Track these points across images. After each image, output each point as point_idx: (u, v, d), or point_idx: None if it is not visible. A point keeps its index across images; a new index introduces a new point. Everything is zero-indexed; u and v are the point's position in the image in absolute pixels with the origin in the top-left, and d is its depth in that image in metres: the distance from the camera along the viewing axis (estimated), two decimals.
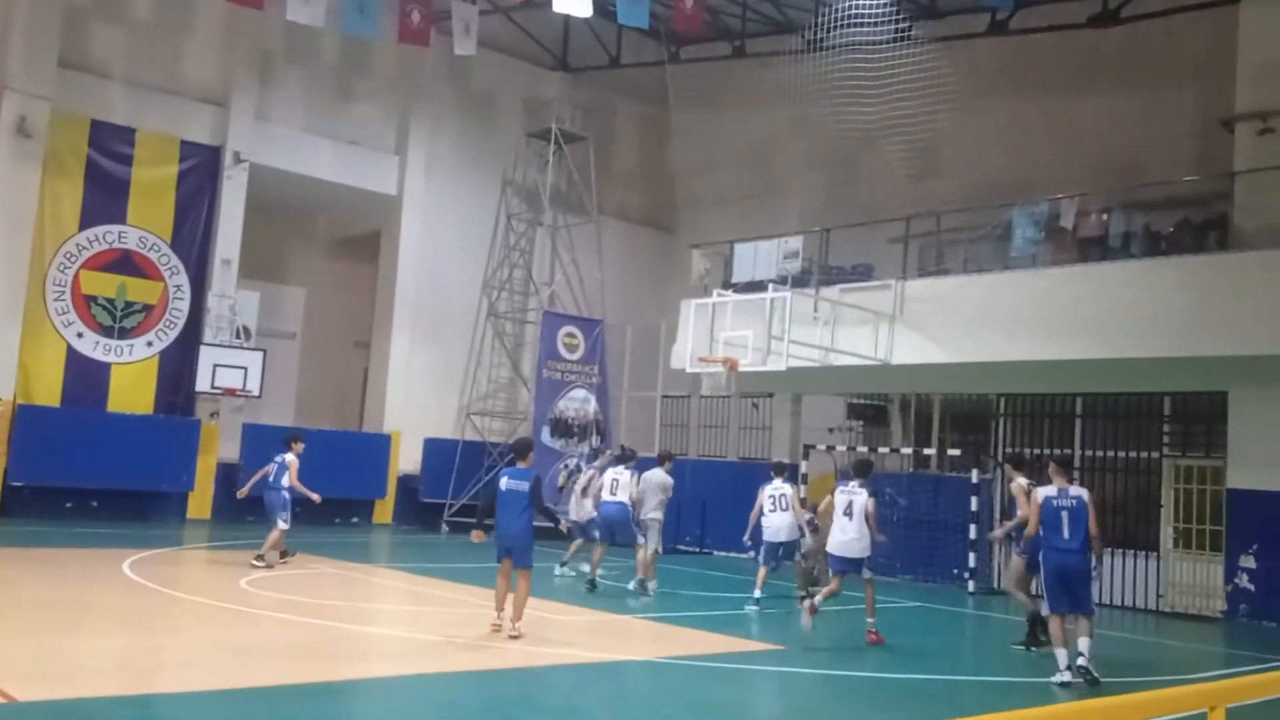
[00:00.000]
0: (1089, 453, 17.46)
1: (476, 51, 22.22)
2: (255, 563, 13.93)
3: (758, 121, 23.15)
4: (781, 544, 13.69)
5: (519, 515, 9.94)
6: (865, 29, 16.94)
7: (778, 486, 13.72)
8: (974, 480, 17.44)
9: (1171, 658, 12.53)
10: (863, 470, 11.66)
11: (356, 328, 25.46)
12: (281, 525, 14.17)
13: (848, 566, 11.23)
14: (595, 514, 14.99)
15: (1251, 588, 15.27)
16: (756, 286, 17.27)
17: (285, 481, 14.37)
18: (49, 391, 19.72)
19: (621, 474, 14.56)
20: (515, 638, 9.68)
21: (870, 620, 11.11)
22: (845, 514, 11.21)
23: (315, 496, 14.73)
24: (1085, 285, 15.50)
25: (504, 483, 10.10)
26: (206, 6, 21.41)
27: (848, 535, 11.14)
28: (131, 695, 7.10)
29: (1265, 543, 15.16)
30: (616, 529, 14.35)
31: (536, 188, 25.53)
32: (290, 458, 14.53)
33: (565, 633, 10.98)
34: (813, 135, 20.46)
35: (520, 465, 10.25)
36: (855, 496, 11.23)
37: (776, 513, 13.55)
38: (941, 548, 17.91)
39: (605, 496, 14.54)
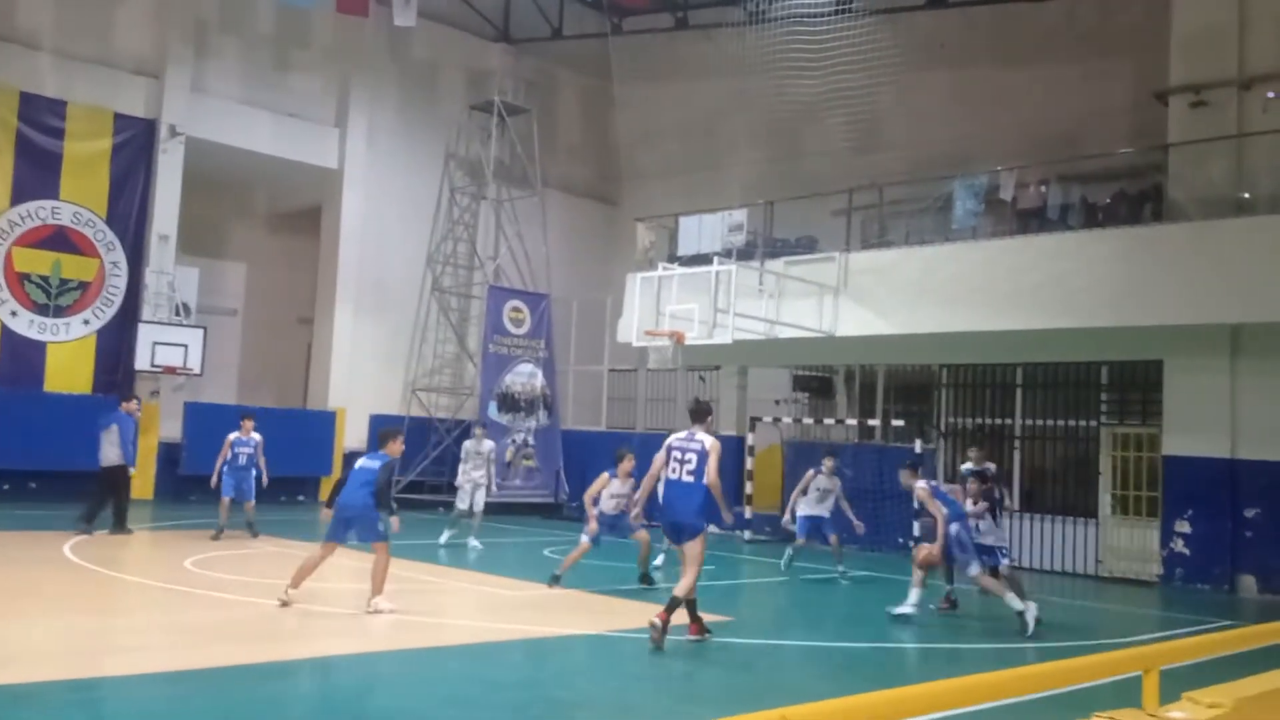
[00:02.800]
0: (1029, 421, 17.81)
1: (417, 22, 21.95)
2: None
3: (701, 94, 23.14)
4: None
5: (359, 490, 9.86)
6: (807, 2, 16.98)
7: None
8: (918, 450, 17.70)
9: (1109, 622, 12.87)
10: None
11: (299, 303, 25.12)
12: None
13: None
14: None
15: (1187, 552, 15.71)
16: (701, 260, 17.33)
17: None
18: None
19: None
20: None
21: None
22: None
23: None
24: (1024, 256, 15.78)
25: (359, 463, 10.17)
26: None
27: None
28: (78, 679, 7.00)
29: (1199, 508, 15.59)
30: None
31: (480, 161, 25.32)
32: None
33: (513, 606, 11.01)
34: (756, 108, 20.51)
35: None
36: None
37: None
38: (887, 517, 18.18)
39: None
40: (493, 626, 9.47)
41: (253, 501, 15.55)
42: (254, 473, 15.48)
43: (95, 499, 15.04)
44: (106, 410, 15.83)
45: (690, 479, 8.98)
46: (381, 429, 10.93)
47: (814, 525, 14.20)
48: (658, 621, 8.57)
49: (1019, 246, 16.00)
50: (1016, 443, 17.93)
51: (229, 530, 15.16)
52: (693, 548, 9.01)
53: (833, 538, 14.24)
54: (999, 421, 18.25)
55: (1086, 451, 17.18)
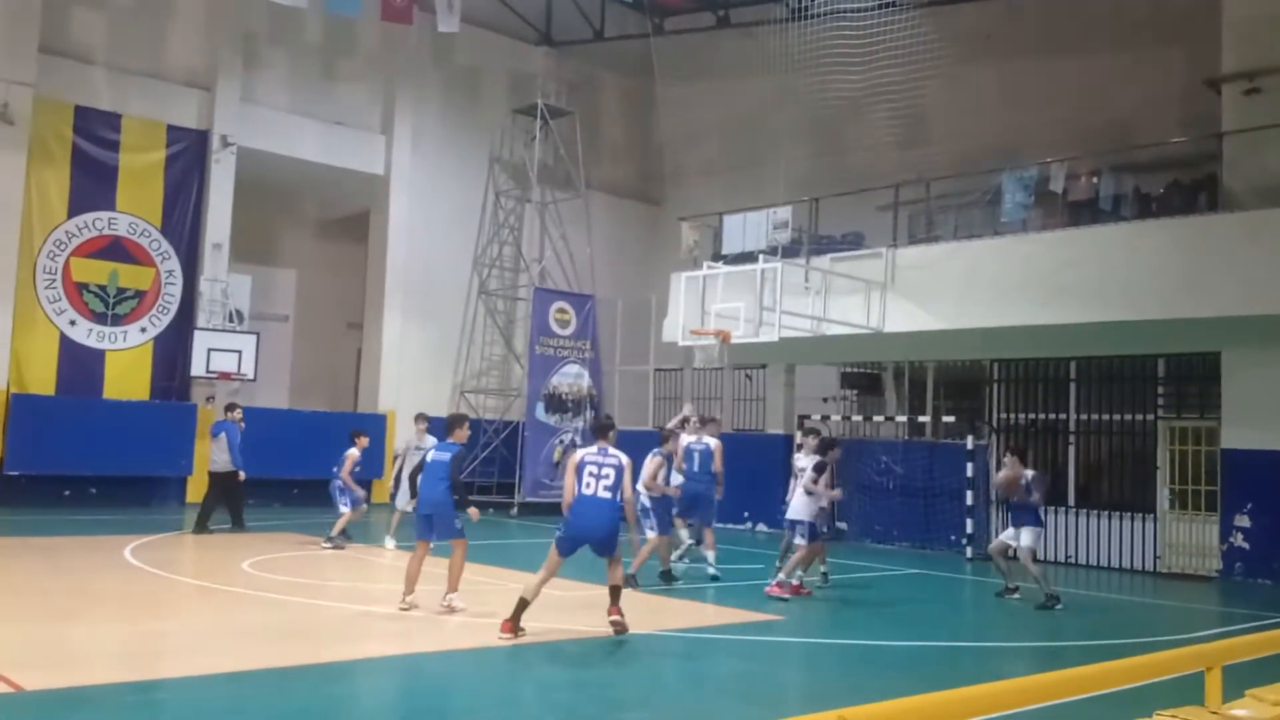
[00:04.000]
0: (1084, 416, 17.55)
1: (460, 28, 22.11)
2: (324, 545, 14.90)
3: (743, 91, 23.05)
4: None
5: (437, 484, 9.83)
6: None
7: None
8: (969, 446, 17.53)
9: (1169, 618, 12.65)
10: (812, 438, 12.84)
11: (348, 308, 25.42)
12: (344, 509, 15.15)
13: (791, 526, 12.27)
14: None
15: (1246, 546, 15.41)
16: (746, 258, 17.28)
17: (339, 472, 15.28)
18: (43, 380, 19.69)
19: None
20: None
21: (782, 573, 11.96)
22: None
23: (360, 492, 15.60)
24: (1076, 249, 15.54)
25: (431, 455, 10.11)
26: None
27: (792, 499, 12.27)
28: (137, 681, 7.13)
29: (1260, 501, 15.28)
30: None
31: (524, 164, 25.45)
32: (352, 451, 15.41)
33: (566, 607, 11.05)
34: (799, 104, 20.38)
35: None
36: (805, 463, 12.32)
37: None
38: (937, 514, 18.03)
39: None
40: (545, 626, 9.50)
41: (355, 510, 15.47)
42: (335, 483, 15.40)
43: (208, 502, 16.29)
44: (216, 420, 17.01)
45: (607, 495, 9.03)
46: (449, 415, 10.94)
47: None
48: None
49: (1070, 239, 15.77)
50: (1071, 438, 17.68)
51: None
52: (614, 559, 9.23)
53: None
54: (1052, 416, 18.01)
55: (1143, 446, 16.90)
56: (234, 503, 16.59)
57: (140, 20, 20.97)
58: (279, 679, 7.27)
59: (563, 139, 25.45)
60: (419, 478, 10.07)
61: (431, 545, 10.10)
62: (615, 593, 9.11)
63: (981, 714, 3.02)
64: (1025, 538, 12.16)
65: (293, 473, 20.91)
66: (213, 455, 16.41)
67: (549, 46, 26.37)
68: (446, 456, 9.91)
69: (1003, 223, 16.81)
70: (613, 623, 9.00)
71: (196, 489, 20.84)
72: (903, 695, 2.97)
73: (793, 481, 13.14)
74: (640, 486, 12.23)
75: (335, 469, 15.24)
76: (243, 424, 16.75)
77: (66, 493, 19.48)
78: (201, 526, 15.95)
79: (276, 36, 22.63)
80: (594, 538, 9.06)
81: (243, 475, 16.41)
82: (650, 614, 10.51)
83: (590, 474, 9.06)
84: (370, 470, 21.62)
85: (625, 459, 9.15)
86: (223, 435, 16.33)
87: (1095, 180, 16.52)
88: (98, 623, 9.26)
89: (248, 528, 16.45)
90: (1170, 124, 17.50)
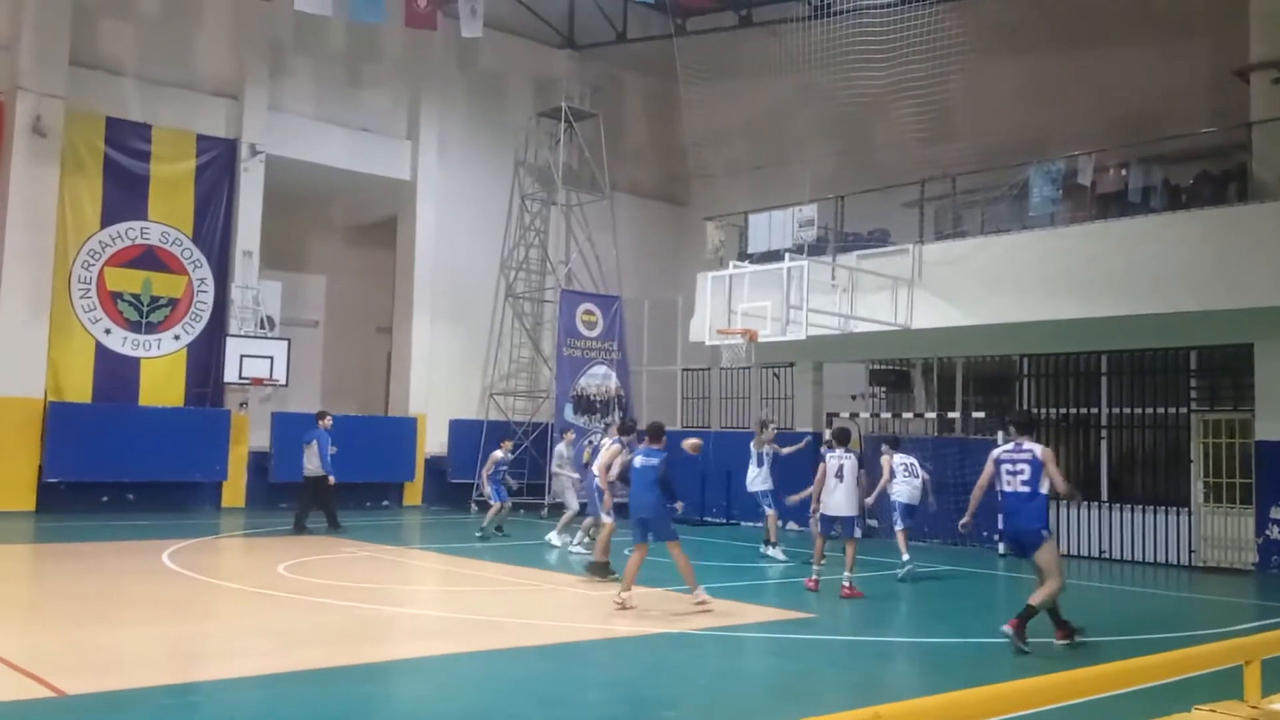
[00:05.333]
0: (1116, 410, 17.42)
1: (483, 33, 22.21)
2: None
3: (767, 90, 23.03)
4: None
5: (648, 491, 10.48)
6: None
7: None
8: (999, 442, 17.41)
9: (1205, 612, 12.55)
10: (844, 438, 12.60)
11: (378, 313, 25.61)
12: (494, 502, 17.47)
13: (837, 526, 12.21)
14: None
15: None
16: (772, 256, 17.26)
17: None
18: (79, 388, 19.96)
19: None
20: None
21: (848, 574, 11.94)
22: (836, 477, 12.08)
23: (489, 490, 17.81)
24: (1105, 242, 15.42)
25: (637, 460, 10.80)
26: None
27: (838, 496, 12.07)
28: (176, 684, 7.23)
29: None
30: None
31: (548, 167, 25.55)
32: (496, 453, 18.22)
33: (598, 608, 11.10)
34: (823, 102, 20.34)
35: (652, 445, 10.76)
36: (845, 461, 12.13)
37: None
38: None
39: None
40: (579, 626, 9.57)
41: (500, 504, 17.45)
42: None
43: (302, 506, 17.35)
44: (308, 427, 17.80)
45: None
46: (651, 424, 11.38)
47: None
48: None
49: (1099, 231, 15.65)
50: (1103, 432, 17.55)
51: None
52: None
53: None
54: (1084, 411, 17.88)
55: (1176, 439, 16.75)
56: (327, 505, 17.47)
57: (169, 31, 21.23)
58: (315, 681, 7.35)
59: (587, 141, 25.52)
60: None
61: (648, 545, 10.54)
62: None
63: (1017, 710, 3.03)
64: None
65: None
66: (305, 461, 17.30)
67: (572, 49, 26.45)
68: (655, 462, 10.49)
69: (1030, 217, 16.70)
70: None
71: (232, 494, 21.14)
72: (938, 692, 2.99)
73: (834, 480, 12.82)
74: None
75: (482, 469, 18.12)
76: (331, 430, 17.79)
77: (104, 499, 19.74)
78: (299, 527, 16.98)
79: (302, 45, 22.84)
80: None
81: (333, 480, 17.24)
82: (684, 612, 10.54)
83: (1007, 470, 9.25)
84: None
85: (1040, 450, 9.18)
86: (314, 442, 17.22)
87: (1123, 172, 16.38)
88: (136, 626, 9.39)
89: (342, 527, 17.41)
90: (1198, 114, 17.34)
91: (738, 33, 23.67)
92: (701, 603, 10.26)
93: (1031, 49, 19.93)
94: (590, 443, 23.62)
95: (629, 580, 10.42)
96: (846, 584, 11.85)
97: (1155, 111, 18.09)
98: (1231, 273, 14.15)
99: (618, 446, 12.92)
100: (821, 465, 12.42)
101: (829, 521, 12.24)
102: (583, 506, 15.92)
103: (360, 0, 20.21)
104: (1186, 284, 14.46)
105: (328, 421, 17.65)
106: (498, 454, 18.07)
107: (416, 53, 24.15)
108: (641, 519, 10.48)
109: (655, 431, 10.86)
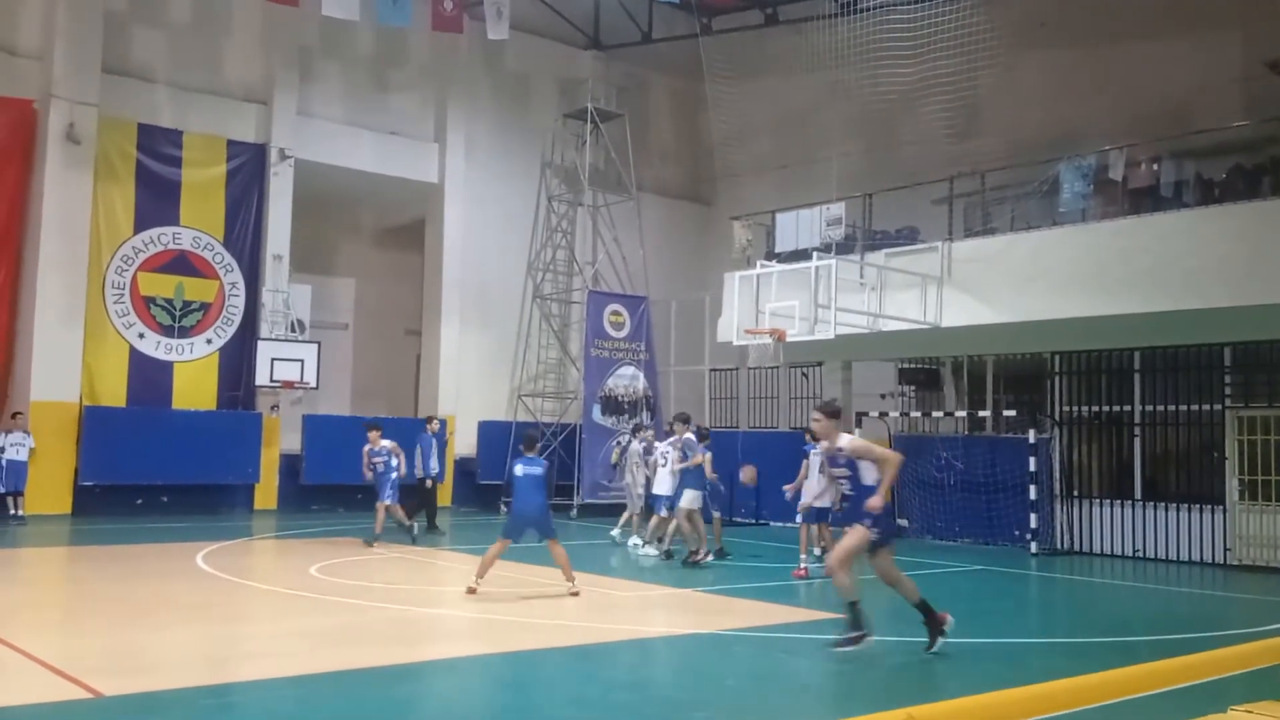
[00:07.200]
0: (1149, 407, 17.24)
1: (509, 35, 22.30)
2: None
3: (793, 89, 22.96)
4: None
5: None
6: None
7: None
8: (1031, 440, 17.29)
9: (1241, 611, 12.39)
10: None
11: (406, 315, 25.75)
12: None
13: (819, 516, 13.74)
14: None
15: None
16: (800, 255, 17.20)
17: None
18: (114, 392, 20.21)
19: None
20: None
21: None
22: (820, 472, 12.94)
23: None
24: (1137, 237, 15.25)
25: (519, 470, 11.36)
26: (244, 6, 21.70)
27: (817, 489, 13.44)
28: (211, 685, 7.30)
29: None
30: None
31: (575, 168, 25.59)
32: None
33: (628, 608, 11.11)
34: (850, 99, 20.25)
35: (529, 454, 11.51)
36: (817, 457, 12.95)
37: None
38: (1000, 509, 17.81)
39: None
40: (610, 627, 9.59)
41: (385, 503, 15.83)
42: (390, 477, 15.95)
43: (428, 507, 17.85)
44: (417, 431, 18.34)
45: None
46: (525, 434, 12.14)
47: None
48: None
49: (1131, 227, 15.48)
50: (1136, 429, 17.37)
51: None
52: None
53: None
54: (1117, 408, 17.71)
55: (1211, 436, 16.56)
56: (428, 507, 17.82)
57: (199, 38, 21.45)
58: (349, 681, 7.40)
59: (613, 142, 25.54)
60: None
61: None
62: None
63: (1051, 711, 3.01)
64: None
65: (356, 479, 21.22)
66: (415, 463, 17.67)
67: (598, 50, 26.49)
68: (538, 471, 11.33)
69: (1061, 213, 16.55)
70: None
71: (264, 496, 21.32)
72: (970, 693, 2.97)
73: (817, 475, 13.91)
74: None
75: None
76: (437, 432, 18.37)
77: (139, 501, 19.96)
78: (432, 526, 17.65)
79: (330, 49, 23.01)
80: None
81: (429, 483, 17.74)
82: (713, 613, 10.55)
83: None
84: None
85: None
86: (418, 446, 17.68)
87: (1155, 167, 16.20)
88: (171, 628, 9.47)
89: (440, 529, 17.87)
90: (1231, 108, 17.13)
91: (763, 31, 23.61)
92: (575, 594, 10.93)
93: (1061, 43, 19.75)
94: (619, 444, 23.72)
95: (485, 569, 10.91)
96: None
97: (1187, 105, 17.88)
98: (1266, 267, 13.94)
99: (710, 455, 14.48)
100: (805, 460, 13.86)
101: (815, 513, 13.65)
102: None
103: (387, 4, 20.36)
104: (1220, 279, 14.28)
105: (434, 425, 18.23)
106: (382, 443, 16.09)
107: (443, 56, 24.27)
108: (528, 519, 11.20)
109: (530, 441, 11.67)
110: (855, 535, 8.41)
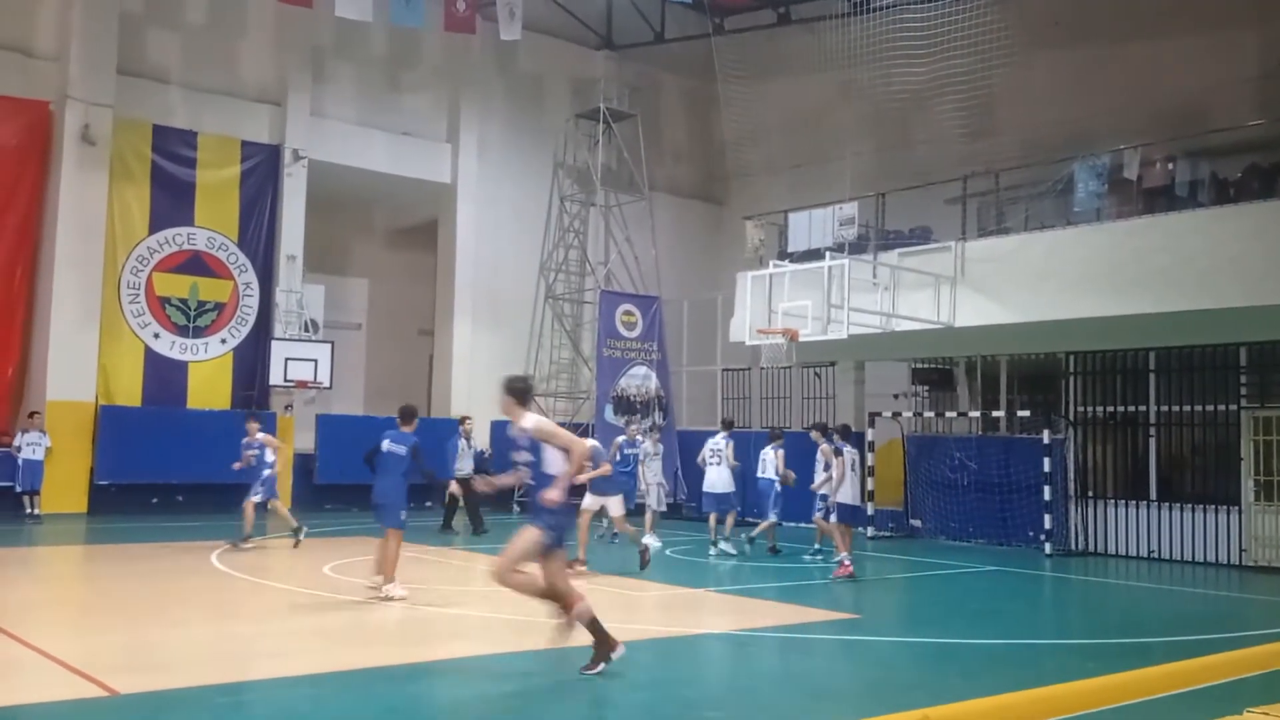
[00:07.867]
0: (1164, 408, 17.16)
1: (522, 35, 22.34)
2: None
3: (806, 88, 22.95)
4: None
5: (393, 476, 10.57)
6: None
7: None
8: (1045, 441, 17.23)
9: (1257, 613, 12.32)
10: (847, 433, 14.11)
11: (419, 315, 25.82)
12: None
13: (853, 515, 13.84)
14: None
15: None
16: (813, 255, 17.18)
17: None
18: (129, 392, 20.32)
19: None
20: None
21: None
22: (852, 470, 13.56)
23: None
24: (1152, 237, 15.18)
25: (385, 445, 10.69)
26: (257, 7, 21.78)
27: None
28: (227, 683, 7.33)
29: None
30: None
31: (587, 168, 25.61)
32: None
33: (642, 608, 11.12)
34: (863, 99, 20.22)
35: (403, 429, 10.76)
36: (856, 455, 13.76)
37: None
38: (1014, 510, 17.75)
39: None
40: (624, 627, 9.57)
41: (253, 500, 15.30)
42: (263, 473, 15.41)
43: (470, 506, 18.32)
44: (449, 431, 18.72)
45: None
46: (402, 407, 11.57)
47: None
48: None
49: (1146, 227, 15.41)
50: (1151, 430, 17.30)
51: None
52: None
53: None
54: (1132, 409, 17.63)
55: (1226, 437, 16.47)
56: (470, 505, 18.13)
57: (213, 40, 21.56)
58: (363, 680, 7.43)
59: (625, 142, 25.56)
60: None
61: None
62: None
63: (1066, 713, 3.00)
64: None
65: (369, 478, 21.31)
66: (456, 464, 18.02)
67: (610, 50, 26.51)
68: (403, 450, 10.86)
69: (1075, 212, 16.48)
70: None
71: (279, 495, 21.33)
72: (986, 694, 2.97)
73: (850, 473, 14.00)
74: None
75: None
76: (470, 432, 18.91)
77: (154, 500, 20.06)
78: (477, 525, 18.10)
79: (343, 50, 23.09)
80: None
81: (454, 486, 17.49)
82: (728, 613, 10.55)
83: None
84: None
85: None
86: (457, 444, 18.06)
87: (1170, 166, 16.11)
88: (186, 626, 9.53)
89: (485, 529, 18.09)
90: (1246, 107, 17.04)
91: (776, 30, 23.60)
92: (388, 597, 10.41)
93: (1075, 42, 19.68)
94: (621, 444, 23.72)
95: (390, 570, 10.55)
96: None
97: (1202, 104, 17.79)
98: None
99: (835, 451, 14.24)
100: (839, 459, 13.39)
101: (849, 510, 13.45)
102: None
103: (400, 5, 20.42)
104: (1236, 279, 14.20)
105: (467, 425, 18.56)
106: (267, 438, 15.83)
107: (456, 56, 24.32)
108: (373, 501, 10.63)
109: (407, 414, 10.78)
110: (525, 538, 7.47)
